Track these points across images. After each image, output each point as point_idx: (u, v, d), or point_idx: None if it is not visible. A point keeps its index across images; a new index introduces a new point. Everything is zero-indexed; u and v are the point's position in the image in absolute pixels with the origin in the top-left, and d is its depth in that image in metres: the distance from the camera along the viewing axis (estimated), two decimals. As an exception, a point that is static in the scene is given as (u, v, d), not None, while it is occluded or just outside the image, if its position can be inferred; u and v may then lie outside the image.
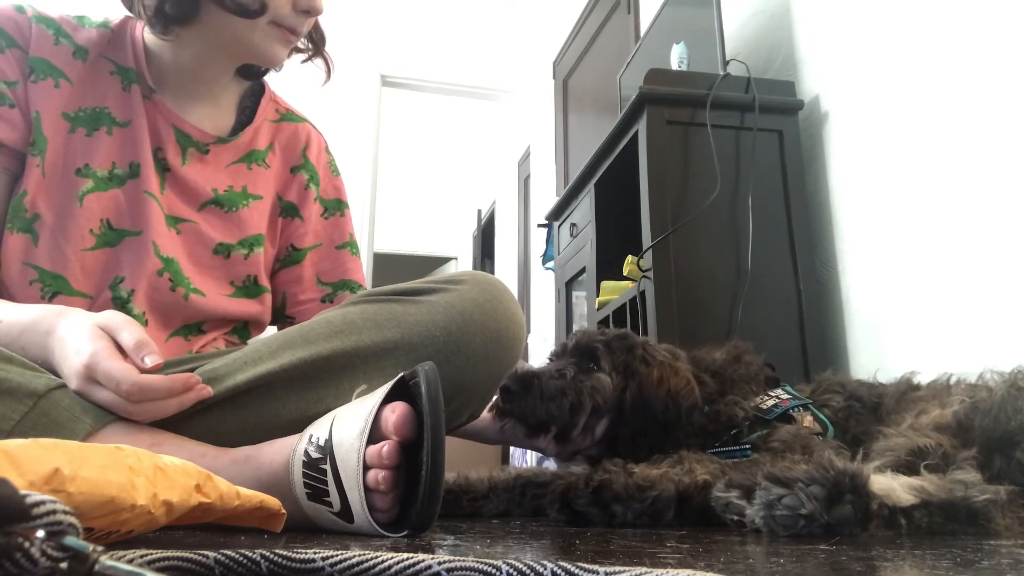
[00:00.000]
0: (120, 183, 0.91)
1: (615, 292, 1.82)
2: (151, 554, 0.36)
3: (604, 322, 1.84)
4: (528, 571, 0.35)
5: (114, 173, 0.91)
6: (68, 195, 0.88)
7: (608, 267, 1.88)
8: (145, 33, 0.94)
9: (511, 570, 0.35)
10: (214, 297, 0.96)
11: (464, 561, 0.36)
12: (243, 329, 1.03)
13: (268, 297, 1.04)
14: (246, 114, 1.05)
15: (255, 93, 1.07)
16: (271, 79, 1.08)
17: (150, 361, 0.66)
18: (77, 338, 0.68)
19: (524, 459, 2.59)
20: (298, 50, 1.01)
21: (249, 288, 1.01)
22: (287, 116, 1.10)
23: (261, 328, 1.06)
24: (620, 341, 1.04)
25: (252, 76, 1.05)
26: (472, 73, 4.64)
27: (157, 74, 0.95)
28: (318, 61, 1.04)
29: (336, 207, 1.13)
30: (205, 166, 0.98)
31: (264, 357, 0.76)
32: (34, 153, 0.87)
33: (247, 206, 1.01)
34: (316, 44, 1.03)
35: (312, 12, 0.92)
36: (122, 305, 0.89)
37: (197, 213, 0.97)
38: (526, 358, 3.28)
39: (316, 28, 1.02)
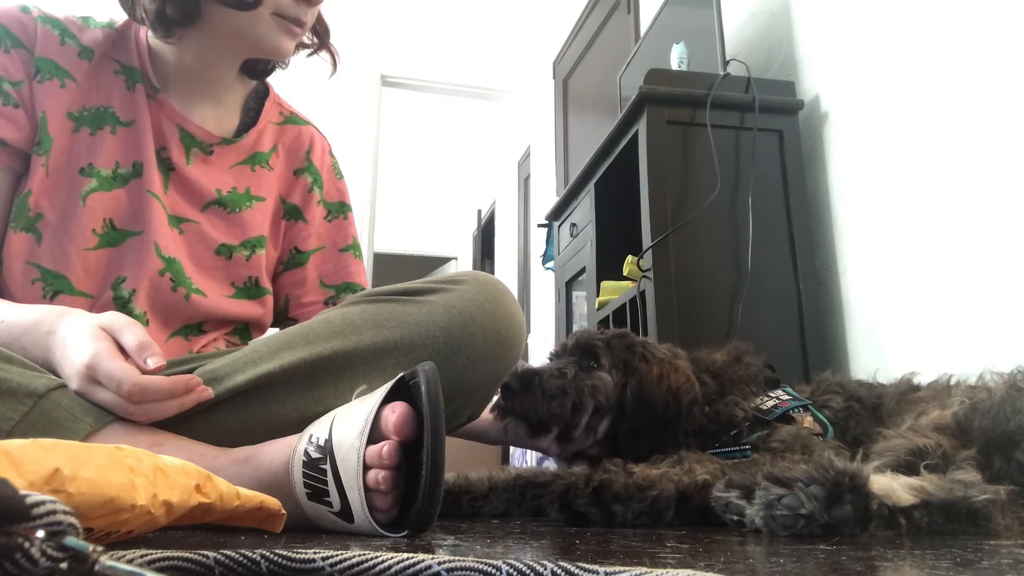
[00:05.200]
0: (123, 183, 0.91)
1: (615, 292, 1.82)
2: (151, 554, 0.36)
3: (604, 322, 1.84)
4: (528, 571, 0.35)
5: (117, 173, 0.91)
6: (71, 194, 0.88)
7: (608, 267, 1.88)
8: (149, 34, 0.94)
9: (511, 570, 0.35)
10: (215, 298, 0.96)
11: (464, 561, 0.36)
12: (244, 330, 1.03)
13: (269, 299, 1.04)
14: (250, 116, 1.05)
15: (259, 95, 1.07)
16: (272, 78, 1.08)
17: (152, 363, 0.66)
18: (78, 339, 0.68)
19: (524, 459, 2.59)
20: (303, 45, 1.01)
21: (250, 290, 1.01)
22: (291, 119, 1.10)
23: (262, 330, 1.06)
24: (620, 339, 1.04)
25: (258, 75, 1.04)
26: (472, 73, 4.64)
27: (161, 74, 0.95)
28: (323, 54, 1.04)
29: (339, 210, 1.13)
30: (209, 167, 0.98)
31: (264, 357, 0.76)
32: (40, 153, 0.87)
33: (250, 208, 1.01)
34: (321, 36, 1.03)
35: (313, 1, 0.91)
36: (123, 305, 0.89)
37: (200, 213, 0.97)
38: (526, 358, 3.28)
39: (320, 21, 1.01)
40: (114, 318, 0.71)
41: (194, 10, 0.88)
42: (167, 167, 0.95)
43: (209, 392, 0.71)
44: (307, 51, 1.03)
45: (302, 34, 0.93)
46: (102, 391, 0.66)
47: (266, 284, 1.03)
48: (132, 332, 0.68)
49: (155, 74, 0.95)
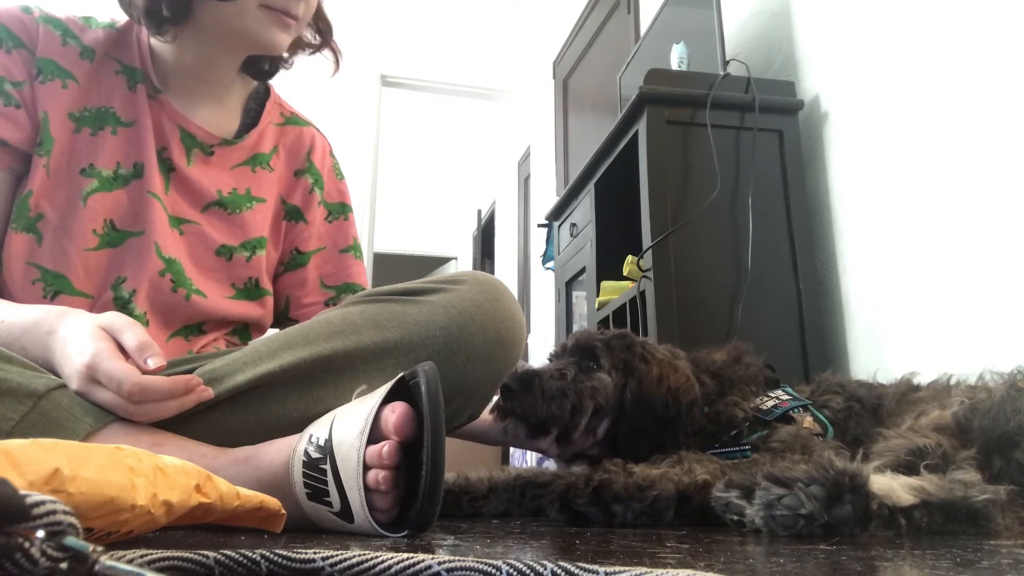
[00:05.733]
0: (124, 183, 0.91)
1: (615, 292, 1.82)
2: (151, 554, 0.36)
3: (604, 322, 1.84)
4: (528, 571, 0.35)
5: (119, 173, 0.91)
6: (72, 195, 0.88)
7: (608, 267, 1.88)
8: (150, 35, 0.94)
9: (511, 570, 0.35)
10: (215, 298, 0.96)
11: (464, 561, 0.36)
12: (244, 331, 1.03)
13: (269, 300, 1.04)
14: (251, 117, 1.05)
15: (260, 96, 1.07)
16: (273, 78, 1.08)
17: (152, 363, 0.66)
18: (79, 339, 0.68)
19: (524, 459, 2.59)
20: (307, 44, 1.00)
21: (250, 291, 1.01)
22: (292, 120, 1.10)
23: (262, 330, 1.06)
24: (619, 340, 1.04)
25: (261, 75, 1.04)
26: (472, 73, 4.64)
27: (162, 75, 0.95)
28: (326, 52, 1.03)
29: (340, 211, 1.13)
30: (209, 167, 0.98)
31: (264, 357, 0.76)
32: (41, 154, 0.87)
33: (251, 208, 1.01)
34: (323, 34, 1.02)
35: None
36: (123, 305, 0.89)
37: (200, 214, 0.97)
38: (526, 358, 3.28)
39: (322, 18, 1.00)
40: (114, 318, 0.71)
41: (183, 7, 0.87)
42: (168, 168, 0.95)
43: (209, 392, 0.71)
44: (309, 50, 1.02)
45: (294, 26, 0.91)
46: (102, 391, 0.66)
47: (266, 285, 1.03)
48: (132, 332, 0.68)
49: (156, 74, 0.94)
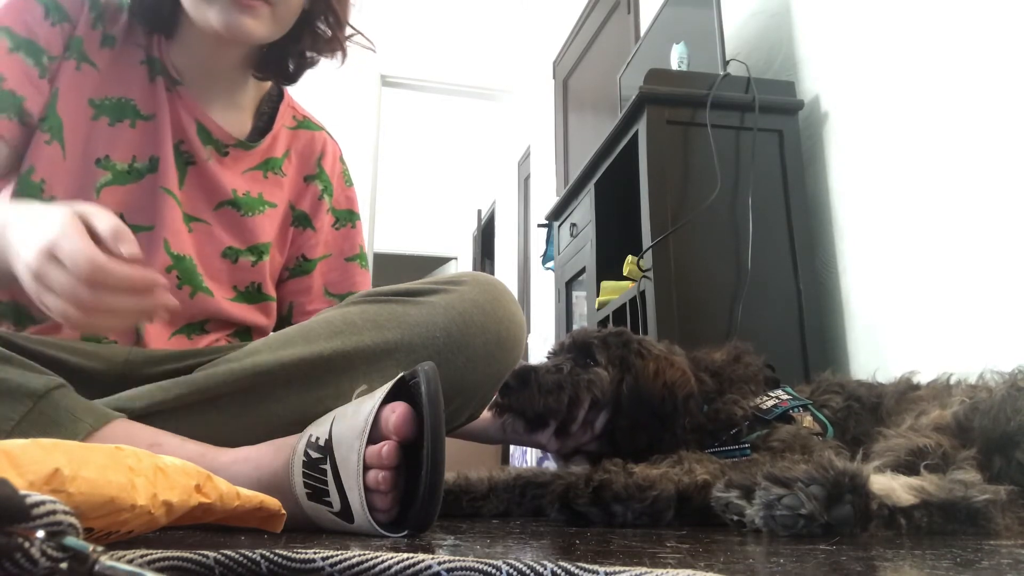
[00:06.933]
0: (138, 177, 0.90)
1: (615, 292, 1.82)
2: (151, 554, 0.36)
3: (604, 322, 1.84)
4: (528, 571, 0.35)
5: (133, 167, 0.90)
6: (86, 185, 0.88)
7: (608, 267, 1.88)
8: None
9: (511, 570, 0.35)
10: (217, 298, 0.96)
11: (464, 561, 0.36)
12: (245, 333, 1.03)
13: (272, 305, 1.03)
14: (264, 120, 1.04)
15: (273, 99, 1.06)
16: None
17: (126, 250, 0.60)
18: (48, 218, 0.61)
19: (524, 459, 2.59)
20: (320, 35, 0.97)
21: (252, 294, 1.00)
22: (304, 124, 1.09)
23: (264, 335, 1.06)
24: (616, 337, 1.05)
25: (286, 77, 1.01)
26: (472, 73, 4.65)
27: (177, 71, 0.95)
28: (335, 47, 0.99)
29: (348, 218, 1.12)
30: (224, 168, 0.98)
31: (263, 351, 0.76)
32: (44, 129, 0.87)
33: (262, 213, 1.00)
34: (332, 26, 0.97)
35: None
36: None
37: (212, 213, 0.96)
38: (526, 358, 3.28)
39: (331, 8, 0.96)
40: (88, 206, 0.64)
41: (165, 5, 0.87)
42: (185, 161, 0.94)
43: (174, 301, 0.64)
44: (324, 42, 0.98)
45: (261, 8, 0.86)
46: (58, 271, 0.59)
47: (269, 291, 1.02)
48: (107, 218, 0.62)
49: (172, 68, 0.94)
